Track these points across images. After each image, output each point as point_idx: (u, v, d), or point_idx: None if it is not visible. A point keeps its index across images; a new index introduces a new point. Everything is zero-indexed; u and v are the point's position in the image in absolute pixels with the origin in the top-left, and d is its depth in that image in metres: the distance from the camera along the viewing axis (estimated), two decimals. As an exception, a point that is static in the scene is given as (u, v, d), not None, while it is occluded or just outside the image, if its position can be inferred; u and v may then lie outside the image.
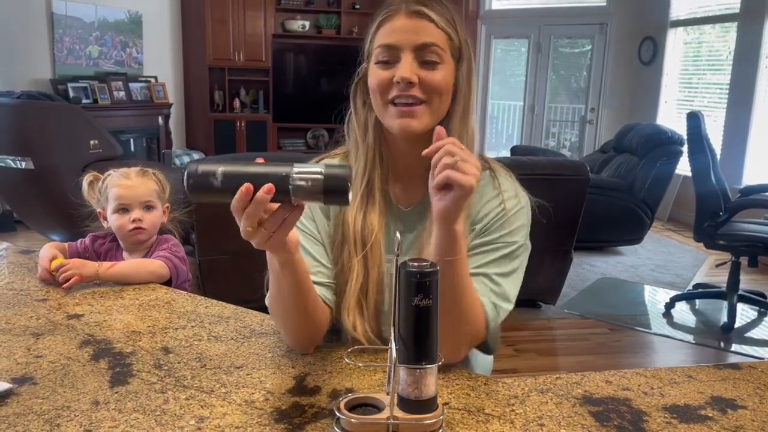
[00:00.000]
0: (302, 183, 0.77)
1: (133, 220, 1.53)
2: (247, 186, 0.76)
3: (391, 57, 1.01)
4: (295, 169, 0.78)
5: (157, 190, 1.60)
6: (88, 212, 1.62)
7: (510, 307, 1.05)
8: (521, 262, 1.07)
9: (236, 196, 0.77)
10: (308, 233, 1.09)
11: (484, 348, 1.07)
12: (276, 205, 0.79)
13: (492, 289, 1.02)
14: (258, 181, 0.77)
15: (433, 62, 1.01)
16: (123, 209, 1.54)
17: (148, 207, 1.56)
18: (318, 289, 1.03)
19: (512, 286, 1.05)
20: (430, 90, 1.01)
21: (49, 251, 1.46)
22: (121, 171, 1.58)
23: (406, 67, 0.99)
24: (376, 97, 1.04)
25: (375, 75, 1.03)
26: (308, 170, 0.78)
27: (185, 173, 0.80)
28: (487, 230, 1.06)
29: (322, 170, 0.77)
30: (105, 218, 1.58)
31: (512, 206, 1.07)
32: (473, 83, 1.06)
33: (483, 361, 1.23)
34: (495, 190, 1.08)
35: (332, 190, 0.77)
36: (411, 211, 1.10)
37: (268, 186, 0.76)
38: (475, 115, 1.08)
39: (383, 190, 1.09)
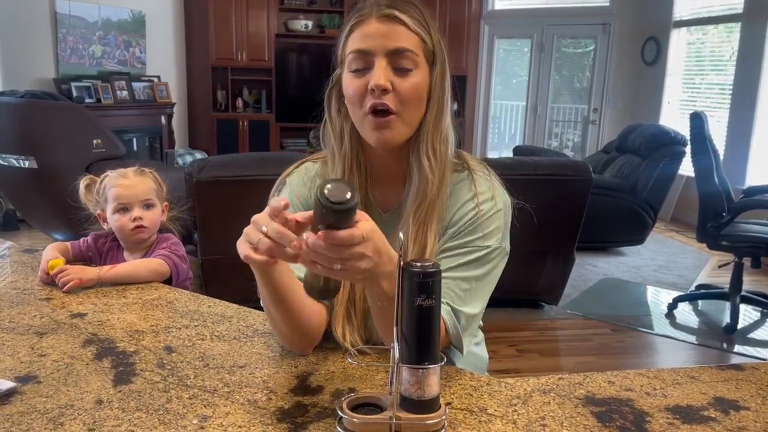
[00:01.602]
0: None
1: (134, 219, 1.54)
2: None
3: (364, 64, 1.00)
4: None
5: (155, 188, 1.60)
6: (86, 215, 1.62)
7: (474, 311, 1.03)
8: (494, 265, 1.06)
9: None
10: None
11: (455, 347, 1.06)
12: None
13: (455, 293, 1.02)
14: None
15: (406, 69, 0.99)
16: (123, 209, 1.54)
17: (148, 205, 1.57)
18: None
19: (479, 292, 1.04)
20: (402, 98, 0.99)
21: (50, 253, 1.47)
22: (118, 171, 1.59)
23: (380, 74, 0.98)
24: (354, 108, 1.03)
25: (350, 84, 1.02)
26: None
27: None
28: (458, 234, 1.05)
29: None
30: (105, 220, 1.58)
31: (487, 209, 1.06)
32: (447, 85, 1.05)
33: (475, 363, 1.22)
34: (470, 192, 1.07)
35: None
36: (390, 216, 1.10)
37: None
38: (450, 117, 1.06)
39: (362, 196, 1.09)
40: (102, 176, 1.59)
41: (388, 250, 0.83)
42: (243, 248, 0.81)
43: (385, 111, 1.00)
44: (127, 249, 1.60)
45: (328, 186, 0.74)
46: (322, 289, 0.83)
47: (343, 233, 0.75)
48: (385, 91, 0.98)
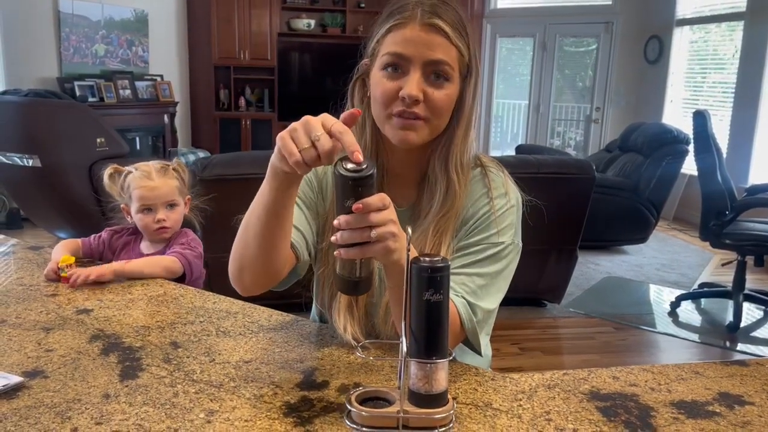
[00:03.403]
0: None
1: (158, 221, 1.56)
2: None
3: (399, 67, 0.99)
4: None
5: (178, 186, 1.62)
6: (111, 206, 1.65)
7: (490, 306, 1.04)
8: (508, 262, 1.06)
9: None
10: (301, 192, 1.09)
11: (471, 347, 1.06)
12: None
13: (471, 288, 1.02)
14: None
15: (441, 79, 0.99)
16: (147, 209, 1.57)
17: (172, 205, 1.59)
18: (293, 239, 1.01)
19: (495, 287, 1.05)
20: (433, 108, 1.00)
21: (60, 252, 1.48)
22: (142, 170, 1.59)
23: (414, 85, 0.97)
24: (379, 107, 1.02)
25: (380, 84, 1.01)
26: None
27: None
28: (474, 230, 1.06)
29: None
30: (129, 213, 1.61)
31: (501, 205, 1.07)
32: (478, 97, 1.06)
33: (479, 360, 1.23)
34: (484, 188, 1.08)
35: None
36: (405, 211, 1.10)
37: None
38: (475, 130, 1.07)
39: (378, 190, 1.09)
40: (126, 171, 1.60)
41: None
42: (290, 148, 0.80)
43: (414, 117, 1.00)
44: (149, 241, 1.62)
45: (343, 161, 0.78)
46: (356, 281, 0.84)
47: (373, 197, 0.79)
48: (416, 101, 0.98)
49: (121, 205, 1.62)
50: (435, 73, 0.99)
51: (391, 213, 0.82)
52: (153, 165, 1.61)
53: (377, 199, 0.80)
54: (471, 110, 1.05)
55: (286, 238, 0.97)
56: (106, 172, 1.61)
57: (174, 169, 1.63)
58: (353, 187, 0.78)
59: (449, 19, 0.99)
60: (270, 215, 0.91)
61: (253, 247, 0.95)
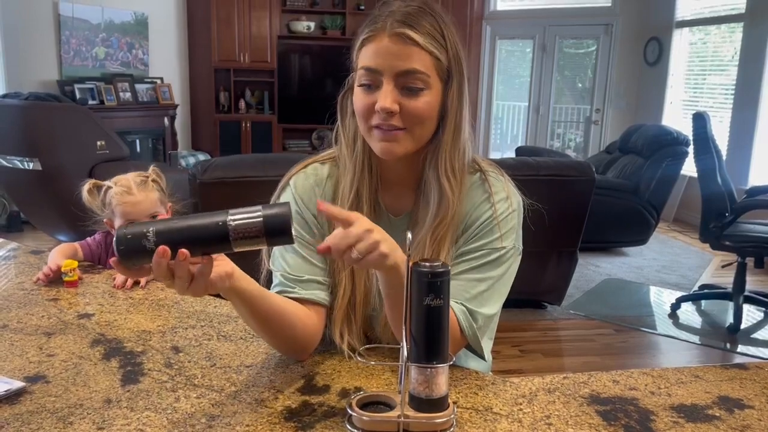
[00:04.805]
0: (242, 228, 0.75)
1: None
2: (162, 249, 0.74)
3: (372, 81, 0.98)
4: (231, 216, 0.75)
5: (159, 197, 1.62)
6: (93, 221, 1.65)
7: (490, 311, 1.03)
8: (509, 266, 1.06)
9: (153, 259, 0.75)
10: (299, 237, 1.06)
11: (474, 352, 1.06)
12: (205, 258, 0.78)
13: (471, 294, 1.02)
14: (194, 233, 0.75)
15: (416, 89, 0.97)
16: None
17: (155, 217, 1.59)
18: (310, 292, 1.03)
19: (497, 293, 1.04)
20: (410, 118, 0.98)
21: (57, 257, 1.48)
22: (122, 186, 1.58)
23: (386, 97, 0.96)
24: (360, 121, 1.02)
25: (358, 99, 1.01)
26: (245, 214, 0.75)
27: (115, 239, 0.77)
28: (475, 236, 1.05)
29: (261, 211, 0.76)
30: (112, 227, 1.62)
31: (503, 210, 1.06)
32: (464, 100, 1.03)
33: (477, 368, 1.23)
34: (485, 193, 1.07)
35: (274, 231, 0.76)
36: (401, 220, 1.10)
37: (185, 252, 0.75)
38: (467, 132, 1.05)
39: (372, 200, 1.08)
40: (106, 186, 1.60)
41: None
42: (189, 289, 0.80)
43: (393, 128, 0.99)
44: None
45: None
46: None
47: (337, 230, 0.83)
48: (391, 113, 0.97)
49: (104, 220, 1.62)
50: (409, 82, 0.97)
51: (361, 225, 0.82)
52: (132, 179, 1.60)
53: (343, 223, 0.83)
54: (457, 115, 1.02)
55: (286, 316, 0.97)
56: (84, 188, 1.61)
57: (153, 181, 1.63)
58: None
59: (420, 26, 0.97)
60: (255, 320, 0.94)
61: (277, 341, 1.01)
